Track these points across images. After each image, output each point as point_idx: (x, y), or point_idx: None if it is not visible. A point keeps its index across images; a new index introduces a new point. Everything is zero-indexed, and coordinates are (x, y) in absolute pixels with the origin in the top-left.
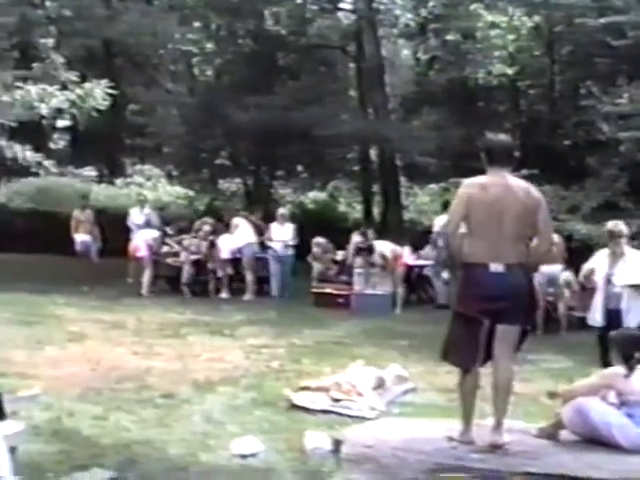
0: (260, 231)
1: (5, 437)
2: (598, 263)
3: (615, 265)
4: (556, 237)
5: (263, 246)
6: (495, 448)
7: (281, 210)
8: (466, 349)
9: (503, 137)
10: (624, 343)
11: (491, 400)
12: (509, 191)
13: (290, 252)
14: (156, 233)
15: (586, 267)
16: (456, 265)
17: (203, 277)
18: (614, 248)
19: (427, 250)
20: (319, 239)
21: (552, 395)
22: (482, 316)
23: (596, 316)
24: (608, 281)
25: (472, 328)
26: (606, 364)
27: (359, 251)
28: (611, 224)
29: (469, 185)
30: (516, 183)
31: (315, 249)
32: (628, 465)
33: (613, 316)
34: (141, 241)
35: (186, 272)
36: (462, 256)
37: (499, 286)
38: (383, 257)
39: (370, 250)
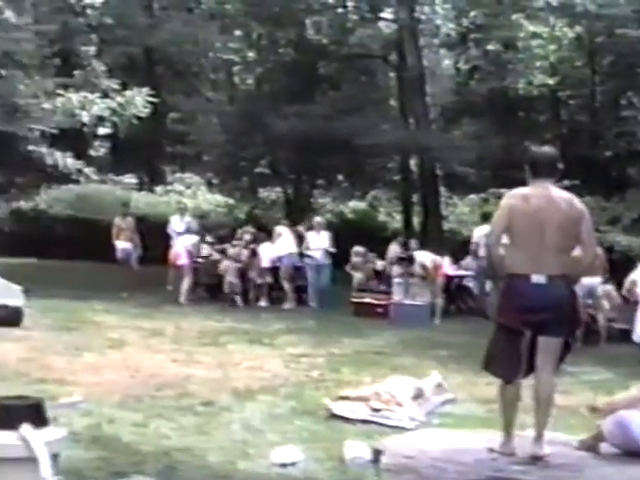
0: (302, 241)
1: (47, 444)
2: None
3: None
4: (597, 249)
5: (301, 255)
6: (536, 460)
7: (317, 219)
8: (507, 360)
9: (547, 149)
10: None
11: (532, 412)
12: (551, 202)
13: (327, 261)
14: (195, 238)
15: (629, 280)
16: (498, 275)
17: (243, 285)
18: None
19: (467, 260)
20: (359, 248)
21: (593, 409)
22: (523, 327)
23: (638, 330)
24: None
25: (513, 339)
26: None
27: (400, 261)
28: None
29: (512, 196)
30: (559, 194)
31: (355, 258)
32: None
33: None
34: (181, 248)
35: (229, 281)
36: (504, 267)
37: (541, 297)
38: (423, 267)
39: (411, 260)
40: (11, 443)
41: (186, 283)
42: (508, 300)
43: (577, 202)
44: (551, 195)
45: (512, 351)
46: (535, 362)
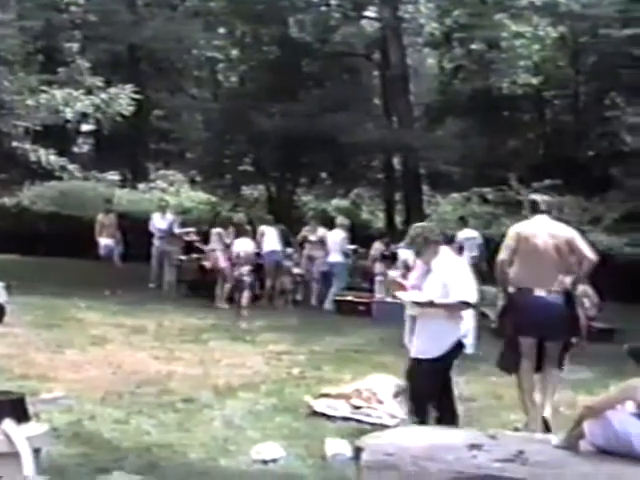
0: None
1: (29, 439)
2: None
3: None
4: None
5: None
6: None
7: (340, 218)
8: (508, 356)
9: (546, 197)
10: None
11: (517, 409)
12: (547, 232)
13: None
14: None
15: None
16: (504, 288)
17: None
18: None
19: None
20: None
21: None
22: (529, 335)
23: None
24: None
25: (516, 340)
26: None
27: (383, 258)
28: None
29: (517, 227)
30: (552, 225)
31: None
32: None
33: None
34: (219, 251)
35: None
36: (509, 282)
37: (542, 309)
38: (406, 265)
39: (394, 258)
40: None
41: (227, 287)
42: (516, 312)
43: (567, 228)
44: (546, 226)
45: (513, 349)
46: (543, 363)
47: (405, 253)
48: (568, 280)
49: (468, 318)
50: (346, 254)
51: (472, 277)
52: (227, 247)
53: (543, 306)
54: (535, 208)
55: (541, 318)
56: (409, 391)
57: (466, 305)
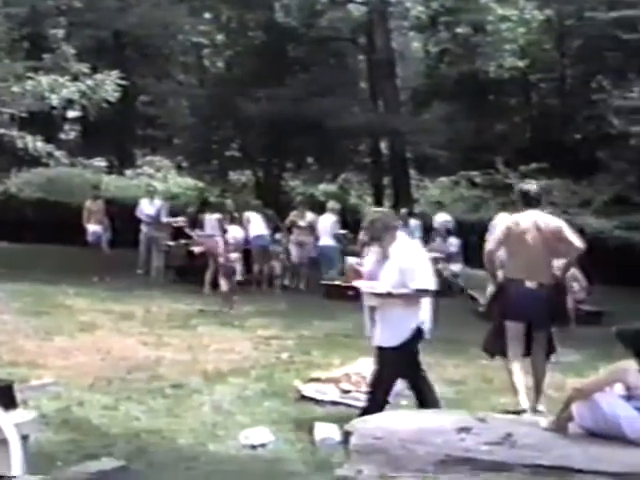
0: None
1: (17, 425)
2: None
3: None
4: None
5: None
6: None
7: (330, 203)
8: (493, 341)
9: (535, 186)
10: (633, 338)
11: (507, 392)
12: (536, 224)
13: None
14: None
15: None
16: (493, 276)
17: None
18: None
19: (437, 243)
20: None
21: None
22: (519, 321)
23: None
24: None
25: (502, 325)
26: None
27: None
28: None
29: (508, 220)
30: (541, 218)
31: None
32: (635, 459)
33: None
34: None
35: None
36: (498, 270)
37: (533, 299)
38: None
39: None
40: None
41: (221, 275)
42: (505, 299)
43: (555, 219)
44: (536, 220)
45: (497, 334)
46: (532, 349)
47: None
48: (557, 266)
49: (426, 304)
50: (337, 238)
51: (429, 263)
52: (225, 233)
53: (533, 297)
54: (527, 201)
55: (530, 307)
56: (370, 377)
57: (424, 292)
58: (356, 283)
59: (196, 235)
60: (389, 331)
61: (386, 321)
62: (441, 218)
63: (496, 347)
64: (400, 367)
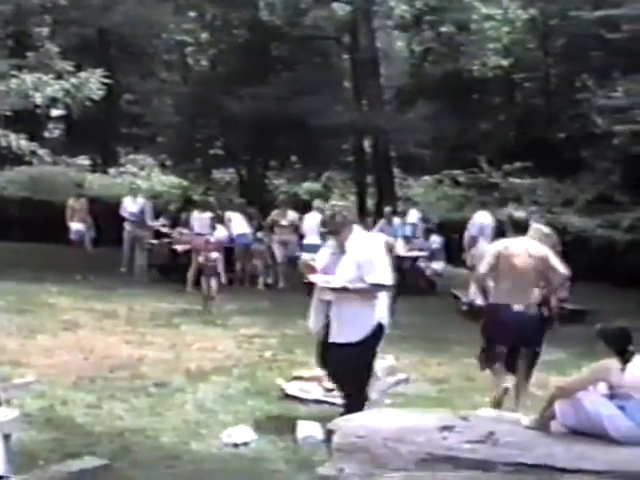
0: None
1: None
2: None
3: None
4: (548, 230)
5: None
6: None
7: (316, 202)
8: (484, 357)
9: (523, 215)
10: (615, 337)
11: (488, 391)
12: (525, 251)
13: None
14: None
15: None
16: (484, 297)
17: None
18: None
19: (420, 241)
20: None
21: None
22: (506, 339)
23: None
24: None
25: (493, 346)
26: None
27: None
28: None
29: (498, 245)
30: (530, 244)
31: None
32: (618, 457)
33: None
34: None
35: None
36: (489, 292)
37: (519, 321)
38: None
39: None
40: None
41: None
42: (494, 325)
43: (542, 247)
44: (525, 246)
45: (490, 353)
46: (517, 365)
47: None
48: (541, 293)
49: (383, 298)
50: (324, 237)
51: (387, 258)
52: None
53: (520, 319)
54: (517, 228)
55: (517, 330)
56: (331, 377)
57: (381, 287)
58: (312, 277)
59: (178, 233)
60: (348, 327)
61: (344, 316)
62: (414, 215)
63: (487, 364)
64: (358, 363)
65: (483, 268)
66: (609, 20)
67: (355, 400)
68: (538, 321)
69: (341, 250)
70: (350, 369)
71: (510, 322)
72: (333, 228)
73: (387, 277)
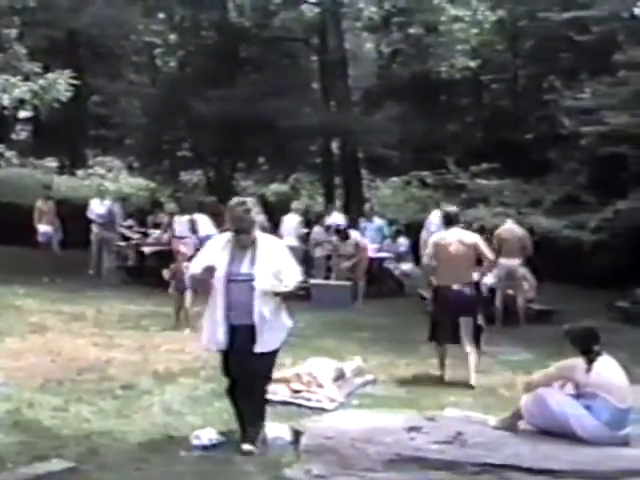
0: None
1: None
2: None
3: None
4: (521, 230)
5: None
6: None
7: (295, 203)
8: (436, 333)
9: (453, 210)
10: (581, 337)
11: (451, 388)
12: (457, 240)
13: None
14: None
15: None
16: (428, 280)
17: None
18: None
19: (387, 243)
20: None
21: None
22: (448, 314)
23: None
24: None
25: (440, 322)
26: None
27: (337, 233)
28: None
29: (436, 237)
30: (461, 234)
31: None
32: (584, 456)
33: None
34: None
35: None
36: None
37: (458, 296)
38: (357, 246)
39: (346, 236)
40: None
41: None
42: (437, 302)
43: (472, 235)
44: (457, 236)
45: (439, 327)
46: (460, 335)
47: (355, 234)
48: (476, 274)
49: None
50: (302, 239)
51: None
52: (195, 234)
53: (459, 296)
54: (449, 221)
55: (457, 304)
56: (246, 387)
57: (299, 289)
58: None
59: (143, 235)
60: (273, 334)
61: (267, 324)
62: (333, 219)
63: (432, 335)
64: (273, 365)
65: (427, 258)
66: (578, 22)
67: (265, 403)
68: (474, 296)
69: (242, 246)
70: (269, 375)
71: (451, 298)
72: (244, 226)
73: (299, 278)
